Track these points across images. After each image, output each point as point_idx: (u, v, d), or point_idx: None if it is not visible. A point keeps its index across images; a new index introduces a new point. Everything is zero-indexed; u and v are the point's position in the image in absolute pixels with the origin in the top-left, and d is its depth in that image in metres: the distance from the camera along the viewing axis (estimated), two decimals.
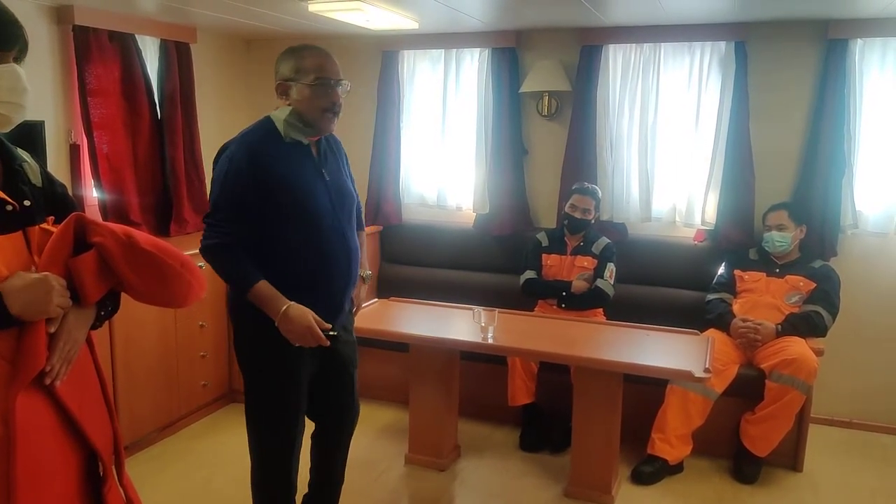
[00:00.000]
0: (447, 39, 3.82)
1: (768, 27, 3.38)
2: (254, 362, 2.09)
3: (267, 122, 2.02)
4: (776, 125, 3.47)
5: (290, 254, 1.97)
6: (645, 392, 3.03)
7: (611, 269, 3.36)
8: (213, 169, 2.02)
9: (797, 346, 2.96)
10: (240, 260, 1.94)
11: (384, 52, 3.97)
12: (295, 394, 2.08)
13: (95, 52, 3.26)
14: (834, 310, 3.11)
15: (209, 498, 2.83)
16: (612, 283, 3.35)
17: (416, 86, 4.04)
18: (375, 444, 3.28)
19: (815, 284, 3.15)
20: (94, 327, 1.40)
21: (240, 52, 4.35)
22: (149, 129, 3.58)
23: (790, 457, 3.08)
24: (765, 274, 3.25)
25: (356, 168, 4.11)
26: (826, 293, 3.13)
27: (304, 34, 4.07)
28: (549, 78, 3.65)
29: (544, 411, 3.30)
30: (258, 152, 1.95)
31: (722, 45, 3.43)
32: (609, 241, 3.44)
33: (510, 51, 3.73)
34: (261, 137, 1.98)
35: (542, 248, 3.48)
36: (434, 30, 3.73)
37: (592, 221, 3.41)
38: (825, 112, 3.29)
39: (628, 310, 3.38)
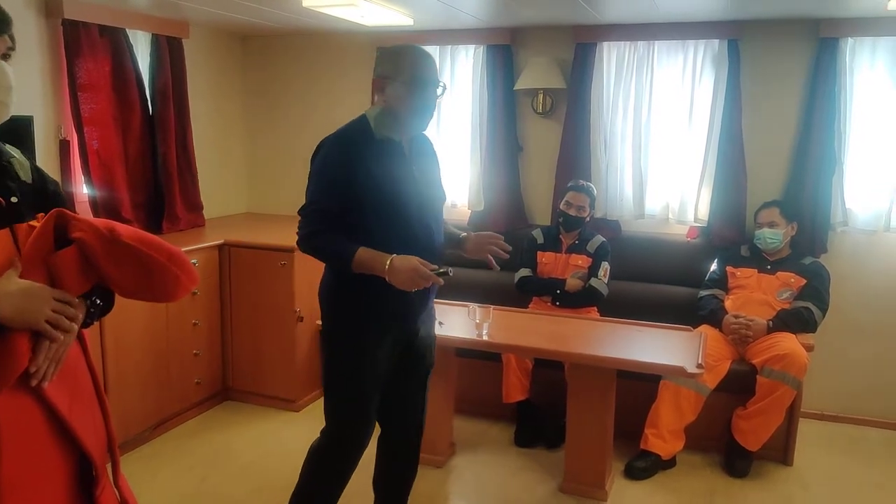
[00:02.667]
0: (442, 36, 3.87)
1: (761, 26, 3.47)
2: (342, 341, 2.15)
3: (361, 120, 2.10)
4: (768, 123, 3.56)
5: (376, 248, 2.02)
6: (638, 388, 3.11)
7: (605, 268, 3.43)
8: (311, 164, 2.12)
9: (788, 342, 3.05)
10: (333, 240, 2.03)
11: (379, 48, 4.00)
12: (379, 365, 2.16)
13: (86, 47, 3.28)
14: (824, 306, 3.21)
15: (205, 496, 2.88)
16: (605, 282, 3.42)
17: None
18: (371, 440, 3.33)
19: (805, 281, 3.24)
20: (85, 325, 1.37)
21: (234, 48, 4.38)
22: (140, 125, 3.61)
23: (781, 451, 3.18)
24: (756, 270, 3.34)
25: None
26: (816, 290, 3.22)
27: (299, 30, 4.10)
28: (544, 75, 3.72)
29: (539, 408, 3.37)
30: (349, 148, 2.04)
31: (715, 43, 3.51)
32: (604, 239, 3.52)
33: (505, 48, 3.79)
34: (353, 134, 2.07)
35: (537, 246, 3.55)
36: (429, 26, 3.78)
37: (587, 219, 3.48)
38: (816, 110, 3.39)
39: (622, 306, 3.45)
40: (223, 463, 3.13)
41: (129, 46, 3.50)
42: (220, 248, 3.59)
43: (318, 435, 2.27)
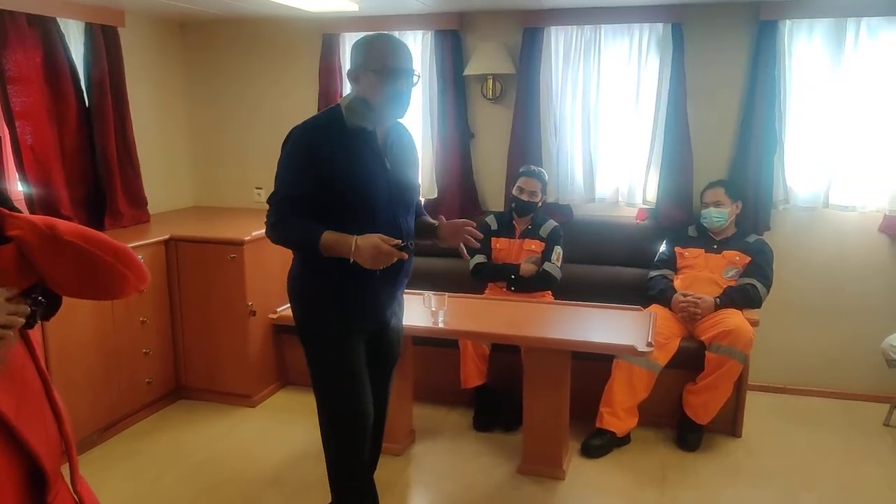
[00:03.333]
0: (389, 22, 3.86)
1: (703, 9, 3.57)
2: (316, 334, 2.19)
3: (334, 108, 2.12)
4: (712, 105, 3.68)
5: None
6: (592, 368, 3.20)
7: (558, 252, 3.51)
8: (281, 152, 2.11)
9: (734, 318, 3.18)
10: (298, 225, 2.05)
11: (324, 34, 4.00)
12: (357, 352, 2.20)
13: (13, 37, 3.17)
14: (768, 282, 3.35)
15: (158, 497, 2.86)
16: (559, 265, 3.50)
17: None
18: None
19: (749, 258, 3.38)
20: (28, 325, 1.32)
21: (173, 37, 4.30)
22: (76, 117, 3.51)
23: (729, 423, 3.32)
24: (703, 250, 3.46)
25: None
26: (760, 266, 3.36)
27: (241, 17, 4.05)
28: (493, 60, 3.76)
29: (496, 392, 3.44)
30: (319, 136, 2.05)
31: (660, 26, 3.60)
32: (556, 223, 3.60)
33: (453, 33, 3.81)
34: (324, 122, 2.09)
35: (491, 232, 3.60)
36: (375, 12, 3.78)
37: (540, 204, 3.55)
38: (757, 91, 3.52)
39: (575, 288, 3.55)
40: (177, 462, 3.11)
41: (61, 36, 3.40)
42: (166, 243, 3.53)
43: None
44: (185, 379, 3.70)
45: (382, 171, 2.10)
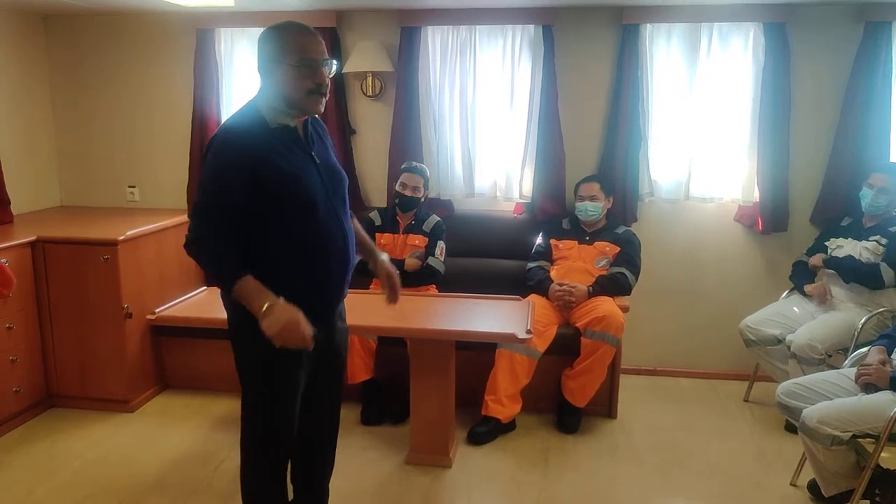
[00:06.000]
0: (265, 18, 4.01)
1: (571, 12, 3.97)
2: (259, 375, 2.16)
3: (251, 110, 2.09)
4: (581, 104, 4.08)
5: (286, 244, 2.06)
6: (477, 358, 3.48)
7: (441, 246, 3.80)
8: (202, 164, 2.10)
9: (606, 305, 3.56)
10: (221, 255, 2.00)
11: (199, 30, 4.12)
12: (295, 399, 2.22)
13: None
14: (636, 270, 3.77)
15: None
16: (442, 259, 3.79)
17: (235, 65, 4.23)
18: (212, 436, 3.49)
19: (619, 248, 3.78)
20: None
21: (35, 29, 4.29)
22: None
23: (606, 405, 3.69)
24: (576, 242, 3.85)
25: (175, 154, 4.24)
26: (629, 255, 3.77)
27: (110, 9, 4.08)
28: (372, 58, 4.00)
29: (384, 386, 3.66)
30: (246, 143, 2.01)
31: (531, 28, 3.97)
32: (439, 218, 3.89)
33: (331, 31, 4.03)
34: (246, 127, 2.05)
35: (375, 228, 3.84)
36: (251, 7, 3.92)
37: (422, 199, 3.82)
38: (622, 91, 3.94)
39: (458, 281, 3.85)
40: (51, 472, 3.14)
41: None
42: (32, 245, 3.55)
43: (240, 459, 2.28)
44: (57, 386, 3.72)
45: (313, 166, 2.12)
